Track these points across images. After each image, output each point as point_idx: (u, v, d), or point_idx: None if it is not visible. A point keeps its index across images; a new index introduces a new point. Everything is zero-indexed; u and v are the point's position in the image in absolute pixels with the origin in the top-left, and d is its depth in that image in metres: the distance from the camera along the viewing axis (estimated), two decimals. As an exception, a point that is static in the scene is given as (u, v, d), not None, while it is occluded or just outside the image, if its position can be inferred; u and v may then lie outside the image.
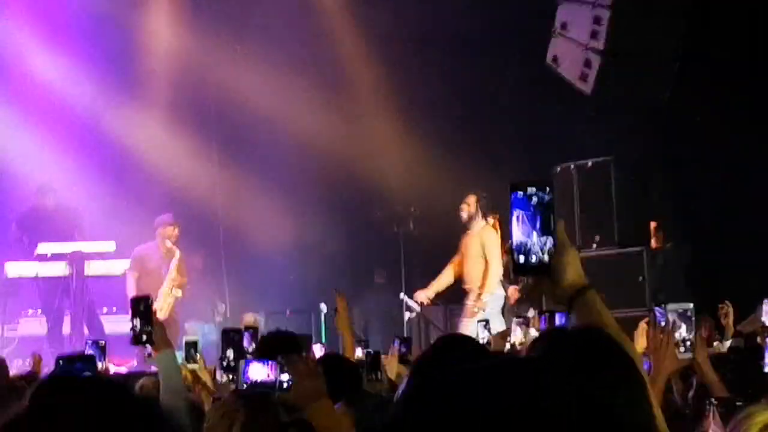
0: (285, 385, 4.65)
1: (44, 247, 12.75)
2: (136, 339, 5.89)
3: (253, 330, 6.56)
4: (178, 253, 12.93)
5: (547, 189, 2.67)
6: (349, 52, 15.38)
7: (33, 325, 13.22)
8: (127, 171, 15.07)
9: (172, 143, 15.04)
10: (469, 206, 12.42)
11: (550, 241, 2.66)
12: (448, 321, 13.53)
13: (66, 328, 12.81)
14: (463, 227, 12.52)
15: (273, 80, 14.71)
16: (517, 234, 2.68)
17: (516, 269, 2.73)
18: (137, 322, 5.89)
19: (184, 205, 14.15)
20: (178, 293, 12.98)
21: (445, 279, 12.72)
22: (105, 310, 13.40)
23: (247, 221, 14.74)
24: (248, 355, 6.02)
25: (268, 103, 14.68)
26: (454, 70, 14.39)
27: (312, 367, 4.51)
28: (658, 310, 5.24)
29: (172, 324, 12.39)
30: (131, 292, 12.49)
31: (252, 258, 15.00)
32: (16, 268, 12.87)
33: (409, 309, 13.13)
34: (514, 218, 2.68)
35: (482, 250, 12.30)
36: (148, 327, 5.89)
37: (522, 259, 2.68)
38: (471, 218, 12.44)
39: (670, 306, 5.10)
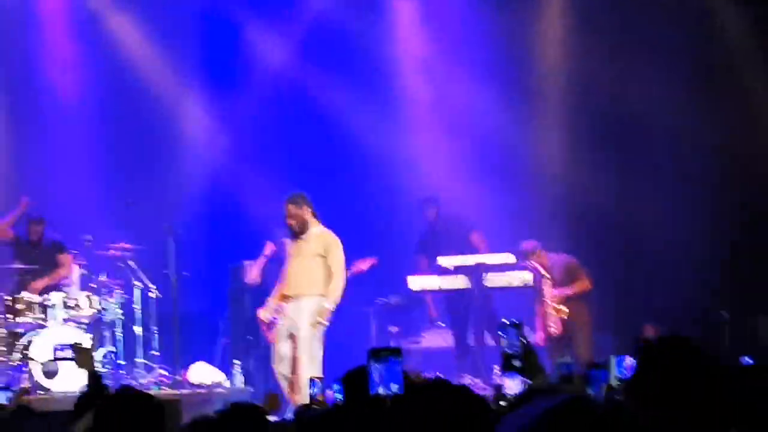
0: None
1: (446, 260, 13.05)
2: (505, 365, 5.87)
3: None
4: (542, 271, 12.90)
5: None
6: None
7: (437, 338, 13.61)
8: (522, 180, 15.17)
9: (571, 151, 15.02)
10: (298, 215, 11.08)
11: None
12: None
13: (470, 340, 13.11)
14: (295, 236, 11.20)
15: (666, 87, 14.39)
16: None
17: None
18: (507, 347, 5.84)
19: (583, 215, 14.22)
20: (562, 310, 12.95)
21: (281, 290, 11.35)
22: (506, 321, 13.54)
23: (645, 227, 14.42)
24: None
25: (657, 108, 14.42)
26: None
27: None
28: None
29: (561, 339, 12.79)
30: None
31: (652, 267, 14.65)
32: (420, 282, 13.23)
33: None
34: None
35: (319, 252, 11.02)
36: (519, 353, 5.83)
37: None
38: (304, 225, 11.12)
39: None
